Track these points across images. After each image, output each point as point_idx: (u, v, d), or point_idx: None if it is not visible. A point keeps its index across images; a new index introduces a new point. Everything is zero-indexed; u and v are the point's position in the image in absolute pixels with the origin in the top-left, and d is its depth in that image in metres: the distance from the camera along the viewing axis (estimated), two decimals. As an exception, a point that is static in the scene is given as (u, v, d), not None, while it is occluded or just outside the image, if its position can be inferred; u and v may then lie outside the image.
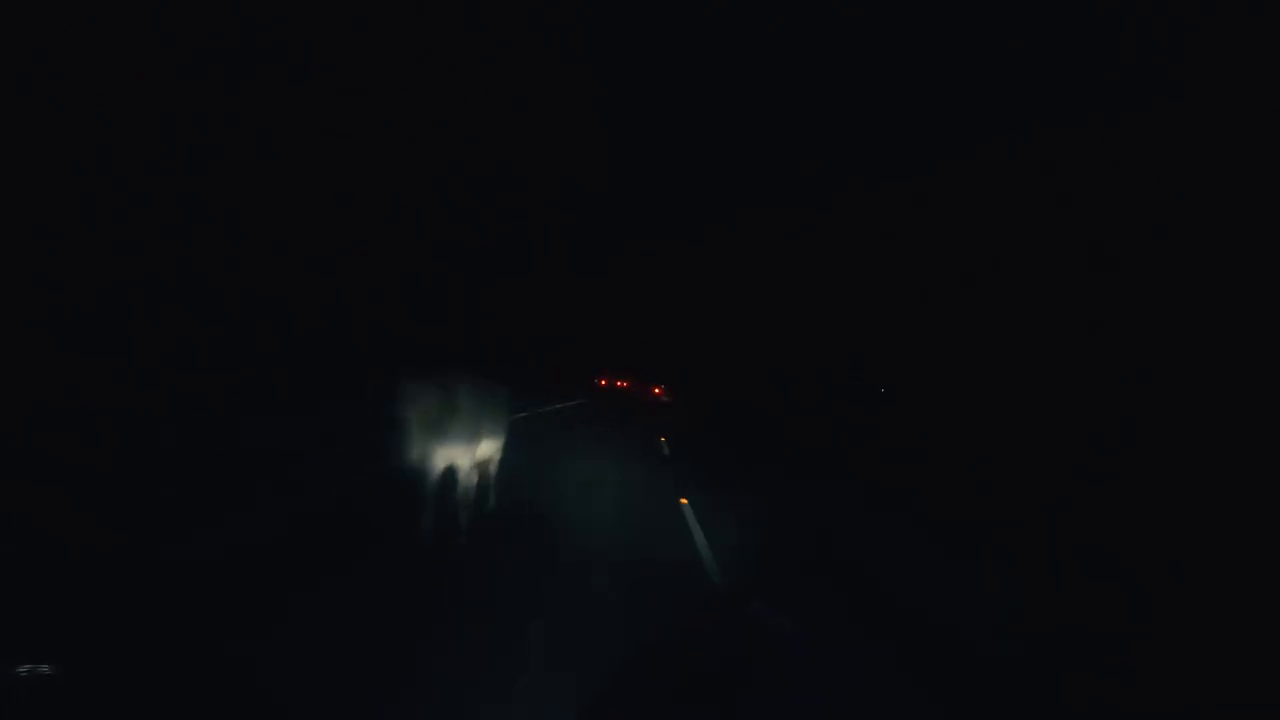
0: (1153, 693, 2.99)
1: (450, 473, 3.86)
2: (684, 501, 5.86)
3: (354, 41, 11.22)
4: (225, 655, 2.37)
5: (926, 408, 15.64)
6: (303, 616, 2.73)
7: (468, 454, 3.87)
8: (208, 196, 9.17)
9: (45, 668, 1.65)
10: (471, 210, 17.85)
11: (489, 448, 4.25)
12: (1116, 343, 11.83)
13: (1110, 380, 11.29)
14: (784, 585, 3.91)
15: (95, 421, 5.28)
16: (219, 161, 9.29)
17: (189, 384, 7.28)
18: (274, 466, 5.02)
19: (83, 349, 6.77)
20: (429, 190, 15.45)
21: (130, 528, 3.31)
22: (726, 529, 5.03)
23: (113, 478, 4.06)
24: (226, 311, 9.22)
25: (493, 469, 4.63)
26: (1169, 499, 6.50)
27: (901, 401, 18.15)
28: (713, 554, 4.30)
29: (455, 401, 3.62)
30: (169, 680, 2.18)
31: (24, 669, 1.60)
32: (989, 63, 13.76)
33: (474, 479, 4.05)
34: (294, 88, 10.31)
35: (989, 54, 13.67)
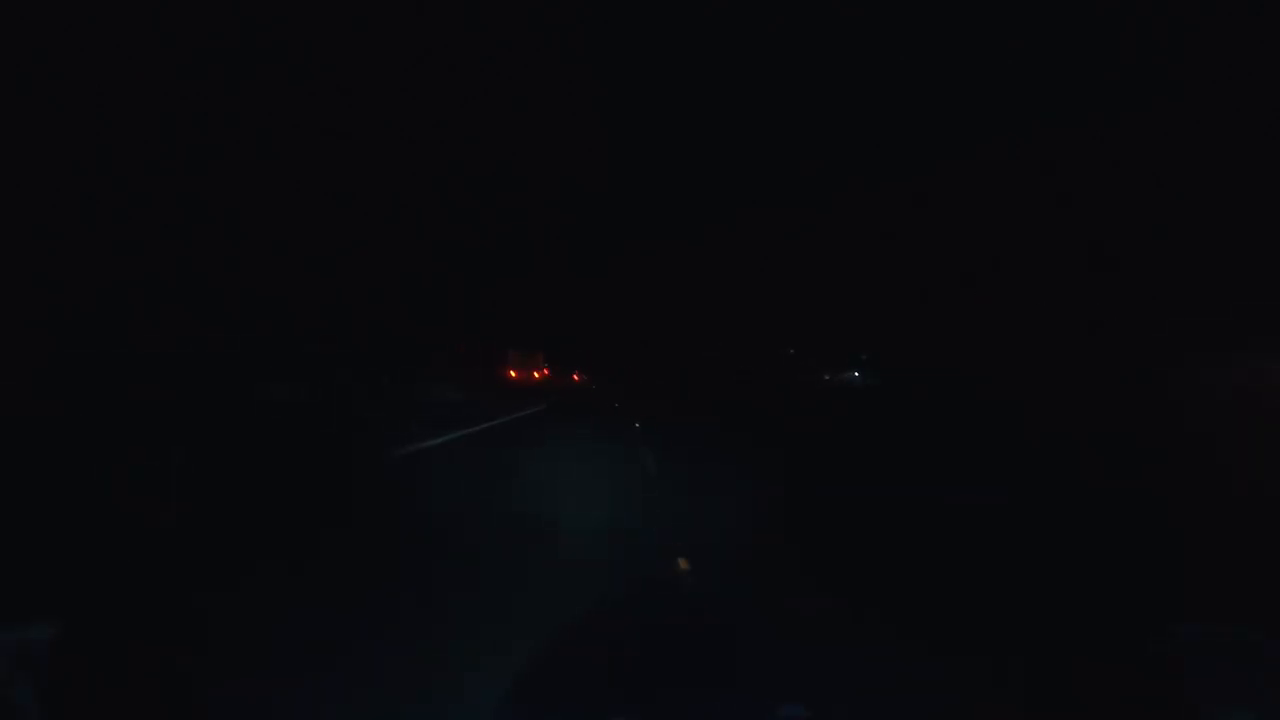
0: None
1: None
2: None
3: (354, 41, 11.24)
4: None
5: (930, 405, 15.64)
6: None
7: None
8: (208, 196, 9.18)
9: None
10: (471, 210, 17.87)
11: None
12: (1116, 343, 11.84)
13: (1110, 380, 11.29)
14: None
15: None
16: (219, 161, 9.29)
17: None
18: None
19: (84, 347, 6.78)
20: (429, 190, 15.46)
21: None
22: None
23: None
24: (226, 311, 9.23)
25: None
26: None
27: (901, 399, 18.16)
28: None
29: None
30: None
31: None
32: (989, 63, 13.77)
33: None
34: (294, 88, 10.32)
35: (989, 54, 13.68)
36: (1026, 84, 13.47)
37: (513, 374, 21.76)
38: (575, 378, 23.42)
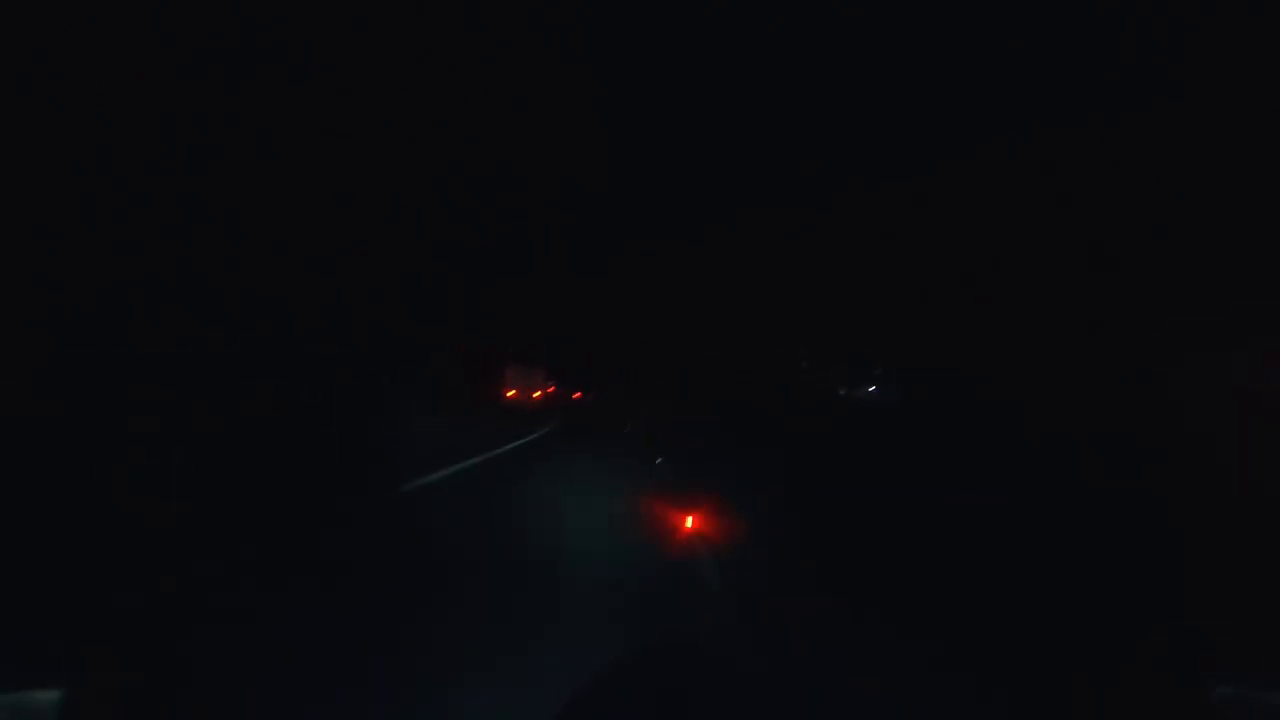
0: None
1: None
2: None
3: (354, 41, 11.22)
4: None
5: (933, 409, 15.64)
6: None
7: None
8: (208, 196, 9.18)
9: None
10: (471, 210, 17.85)
11: None
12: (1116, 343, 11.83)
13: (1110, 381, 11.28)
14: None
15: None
16: (219, 161, 9.29)
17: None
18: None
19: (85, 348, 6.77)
20: (429, 190, 15.44)
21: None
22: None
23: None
24: (226, 311, 9.23)
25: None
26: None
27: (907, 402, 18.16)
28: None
29: None
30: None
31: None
32: (989, 63, 13.75)
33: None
34: (294, 88, 10.31)
35: (989, 54, 13.67)
36: (1026, 84, 13.45)
37: (512, 393, 21.05)
38: (577, 395, 23.27)
